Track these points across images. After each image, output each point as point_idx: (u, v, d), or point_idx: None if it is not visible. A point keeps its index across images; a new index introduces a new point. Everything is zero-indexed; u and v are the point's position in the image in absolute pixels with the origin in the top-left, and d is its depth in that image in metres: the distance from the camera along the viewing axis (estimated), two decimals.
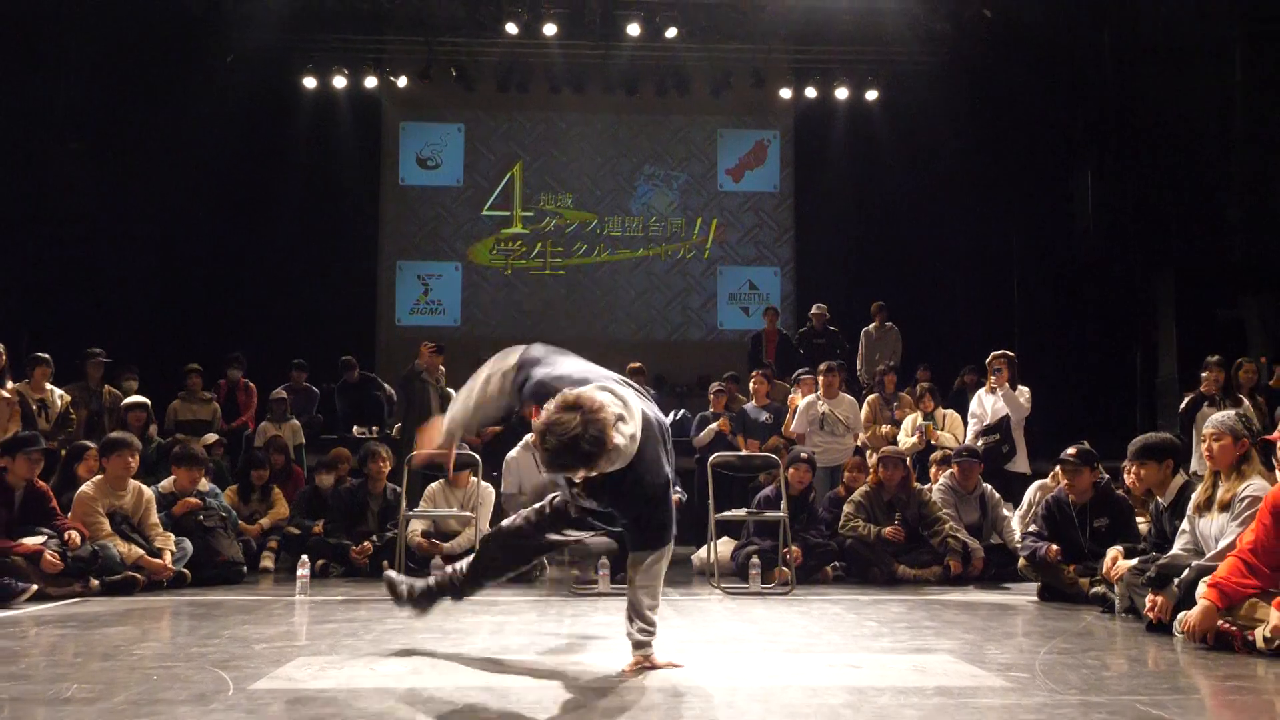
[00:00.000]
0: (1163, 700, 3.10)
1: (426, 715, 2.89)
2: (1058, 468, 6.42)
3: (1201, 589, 4.08)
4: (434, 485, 7.15)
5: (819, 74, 13.41)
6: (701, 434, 8.76)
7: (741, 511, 6.74)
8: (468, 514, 6.83)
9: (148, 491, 6.34)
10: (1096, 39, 12.15)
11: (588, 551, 5.81)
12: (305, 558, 6.09)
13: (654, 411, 3.50)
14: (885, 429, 8.65)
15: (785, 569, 6.37)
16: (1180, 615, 4.17)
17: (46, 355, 8.03)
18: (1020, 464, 7.92)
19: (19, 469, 5.75)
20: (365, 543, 7.02)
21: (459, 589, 3.87)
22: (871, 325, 10.96)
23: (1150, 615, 4.42)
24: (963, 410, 8.50)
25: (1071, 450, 5.81)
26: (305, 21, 12.34)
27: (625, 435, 3.21)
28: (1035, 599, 5.78)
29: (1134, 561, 4.87)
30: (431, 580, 3.93)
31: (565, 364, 3.58)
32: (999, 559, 6.80)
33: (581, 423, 3.05)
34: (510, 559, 3.86)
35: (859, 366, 10.83)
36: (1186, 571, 4.33)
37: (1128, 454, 5.16)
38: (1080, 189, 12.71)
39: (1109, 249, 12.35)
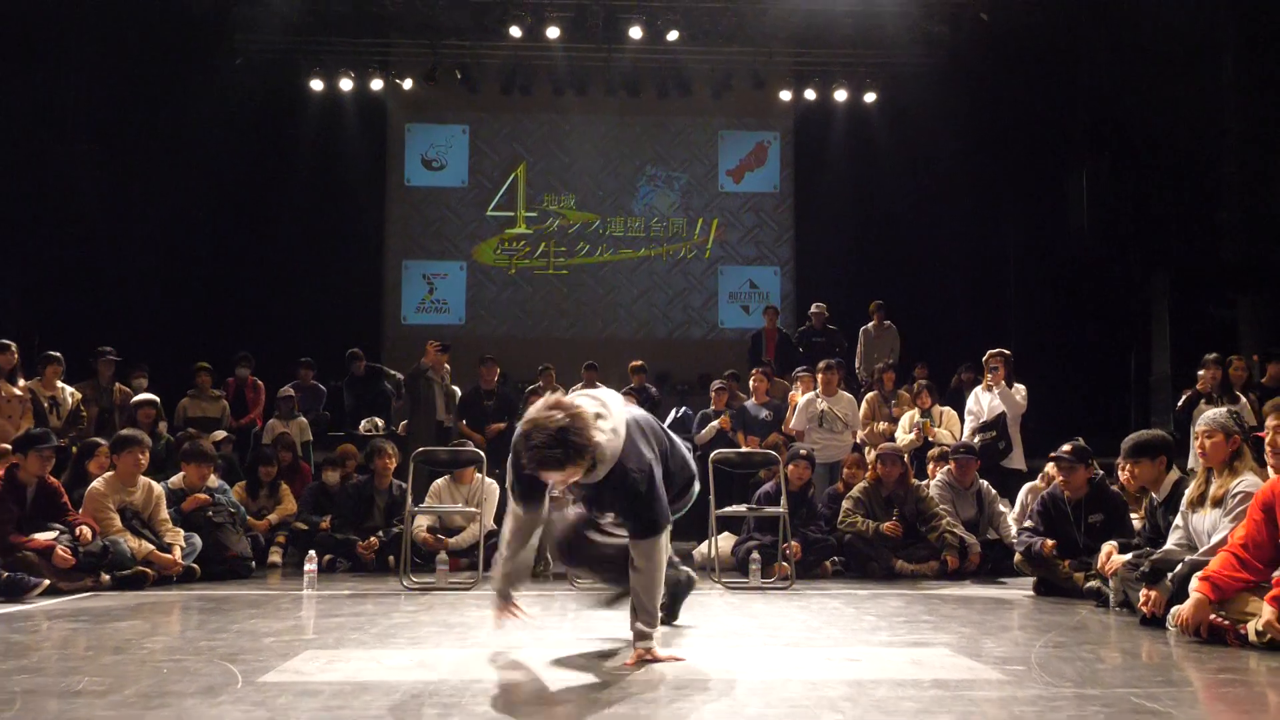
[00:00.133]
0: (1156, 693, 3.12)
1: (432, 708, 2.91)
2: (1049, 467, 6.46)
3: (1194, 583, 4.12)
4: (439, 481, 7.22)
5: (818, 76, 13.43)
6: (703, 431, 8.85)
7: (742, 507, 6.79)
8: (473, 510, 6.88)
9: (158, 487, 6.41)
10: (1092, 42, 12.18)
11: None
12: (312, 553, 6.13)
13: (640, 412, 3.73)
14: (883, 426, 8.68)
15: (785, 564, 6.44)
16: (1174, 609, 4.21)
17: (58, 354, 8.12)
18: (1016, 460, 7.98)
19: (31, 466, 5.82)
20: (371, 538, 7.09)
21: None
22: (870, 324, 10.99)
23: (1144, 609, 4.46)
24: (960, 407, 8.53)
25: (1066, 447, 5.86)
26: (312, 25, 12.40)
27: (606, 430, 3.40)
28: (1031, 593, 5.82)
29: (1128, 556, 4.93)
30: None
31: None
32: (995, 554, 6.86)
33: (564, 418, 3.25)
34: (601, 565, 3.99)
35: (858, 364, 10.85)
36: (1180, 566, 4.37)
37: (1121, 452, 5.19)
38: (1076, 190, 12.74)
39: (1105, 249, 12.40)
